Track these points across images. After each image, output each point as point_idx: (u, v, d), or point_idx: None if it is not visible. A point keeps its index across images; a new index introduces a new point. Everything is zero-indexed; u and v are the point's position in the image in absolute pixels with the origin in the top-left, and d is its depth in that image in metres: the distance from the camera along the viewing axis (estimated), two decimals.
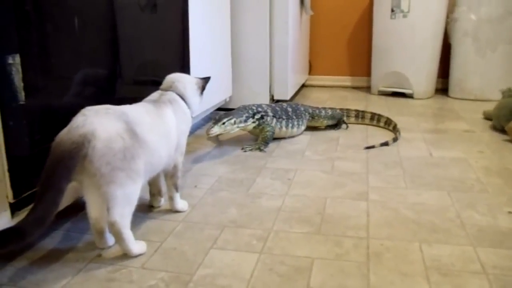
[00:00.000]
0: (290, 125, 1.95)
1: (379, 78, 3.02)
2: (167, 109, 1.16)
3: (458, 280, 0.93)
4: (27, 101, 0.92)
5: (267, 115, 1.87)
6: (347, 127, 2.15)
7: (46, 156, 0.88)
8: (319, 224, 1.18)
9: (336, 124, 2.13)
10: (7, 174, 0.90)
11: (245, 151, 1.79)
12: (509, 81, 2.62)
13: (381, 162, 1.66)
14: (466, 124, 2.23)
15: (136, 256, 1.02)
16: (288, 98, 2.50)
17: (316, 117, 2.07)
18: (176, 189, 1.24)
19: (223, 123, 1.68)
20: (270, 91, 2.44)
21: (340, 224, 1.18)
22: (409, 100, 2.87)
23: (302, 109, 2.02)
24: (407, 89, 2.92)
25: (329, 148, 1.84)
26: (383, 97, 2.99)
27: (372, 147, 1.83)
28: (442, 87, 3.09)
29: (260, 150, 1.80)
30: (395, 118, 2.25)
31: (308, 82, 3.41)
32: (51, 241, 1.09)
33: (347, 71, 3.38)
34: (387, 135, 2.00)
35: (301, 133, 2.04)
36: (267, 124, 1.85)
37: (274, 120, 1.89)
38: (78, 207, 1.18)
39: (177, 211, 1.24)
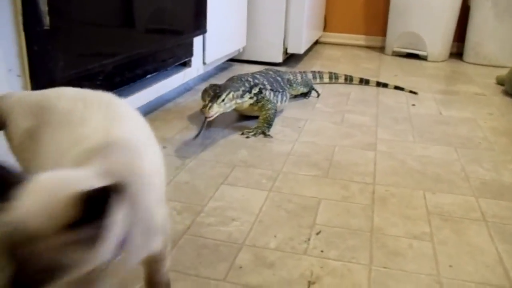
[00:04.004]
0: (285, 97, 1.67)
1: (394, 38, 2.99)
2: None
3: (458, 225, 0.97)
4: (52, 26, 0.94)
5: (265, 89, 1.55)
6: (319, 95, 1.91)
7: (69, 83, 0.91)
8: (327, 169, 1.21)
9: (307, 92, 1.87)
10: None
11: (247, 137, 1.41)
12: None
13: (390, 117, 1.68)
14: (478, 88, 2.23)
15: None
16: (301, 52, 2.49)
17: (294, 85, 1.80)
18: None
19: (223, 100, 1.32)
20: (284, 44, 2.43)
21: (347, 170, 1.21)
22: (423, 62, 2.85)
23: (285, 76, 1.77)
24: (422, 51, 2.89)
25: (340, 101, 1.85)
26: (396, 57, 2.97)
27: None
28: (457, 51, 3.06)
29: (265, 135, 1.42)
30: (406, 79, 2.25)
31: (322, 39, 3.38)
32: None
33: (362, 30, 3.34)
34: (397, 93, 2.01)
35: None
36: (268, 101, 1.50)
37: (272, 94, 1.58)
38: None
39: None
